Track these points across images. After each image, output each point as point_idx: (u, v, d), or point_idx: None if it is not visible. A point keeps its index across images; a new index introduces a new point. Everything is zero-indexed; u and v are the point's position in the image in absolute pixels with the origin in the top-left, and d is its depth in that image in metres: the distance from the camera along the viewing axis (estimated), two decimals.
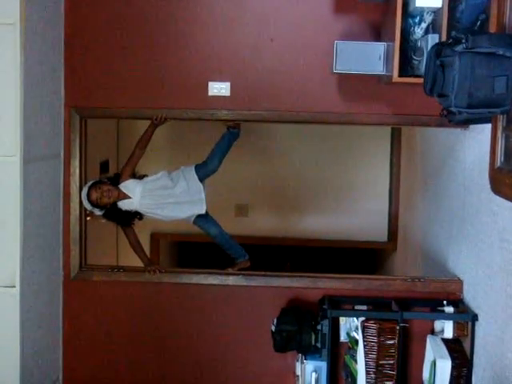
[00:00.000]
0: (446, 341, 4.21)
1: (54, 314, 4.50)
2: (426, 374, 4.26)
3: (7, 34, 3.75)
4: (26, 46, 3.81)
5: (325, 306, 4.27)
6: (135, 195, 4.62)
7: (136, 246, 4.72)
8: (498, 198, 3.03)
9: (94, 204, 4.53)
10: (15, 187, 3.83)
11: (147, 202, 4.67)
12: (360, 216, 7.38)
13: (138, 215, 4.72)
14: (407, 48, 3.88)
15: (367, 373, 4.16)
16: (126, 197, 4.63)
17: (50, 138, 4.34)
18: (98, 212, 4.63)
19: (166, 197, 4.71)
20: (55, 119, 4.40)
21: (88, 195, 4.51)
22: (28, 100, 3.87)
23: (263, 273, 4.61)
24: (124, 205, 4.63)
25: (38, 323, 4.20)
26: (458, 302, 4.29)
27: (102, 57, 4.45)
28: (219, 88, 4.40)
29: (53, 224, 4.43)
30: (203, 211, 4.78)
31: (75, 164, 4.52)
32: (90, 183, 4.56)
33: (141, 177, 4.75)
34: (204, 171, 4.81)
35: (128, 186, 4.63)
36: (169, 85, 4.44)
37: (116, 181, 4.66)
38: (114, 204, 4.60)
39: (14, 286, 3.87)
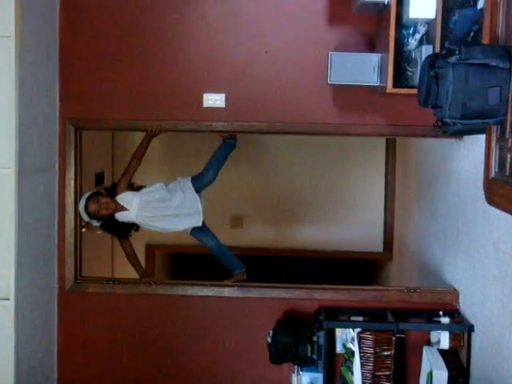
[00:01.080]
0: (442, 351, 4.20)
1: (49, 327, 4.48)
2: None
3: (2, 47, 3.75)
4: (22, 59, 3.81)
5: (321, 318, 4.27)
6: (132, 207, 4.62)
7: (132, 258, 4.71)
8: (492, 208, 3.03)
9: (91, 216, 4.53)
10: (10, 199, 3.82)
11: (144, 215, 4.67)
12: (355, 226, 7.37)
13: (134, 226, 4.71)
14: (401, 59, 3.90)
15: None
16: (123, 209, 4.61)
17: (45, 149, 4.34)
18: (95, 223, 4.63)
19: (163, 209, 4.71)
20: (50, 131, 4.40)
21: (86, 207, 4.49)
22: (23, 112, 3.86)
23: (259, 284, 4.60)
24: (121, 216, 4.62)
25: (33, 336, 4.18)
26: (454, 313, 4.29)
27: (97, 69, 4.45)
28: (214, 99, 4.41)
29: (48, 236, 4.42)
30: (200, 223, 4.78)
31: (70, 176, 4.51)
32: (87, 195, 4.56)
33: (138, 188, 4.75)
34: (200, 183, 4.81)
35: (125, 198, 4.62)
36: (164, 96, 4.44)
37: (113, 192, 4.64)
38: (112, 216, 4.59)
39: (8, 299, 3.85)
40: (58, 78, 4.45)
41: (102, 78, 4.45)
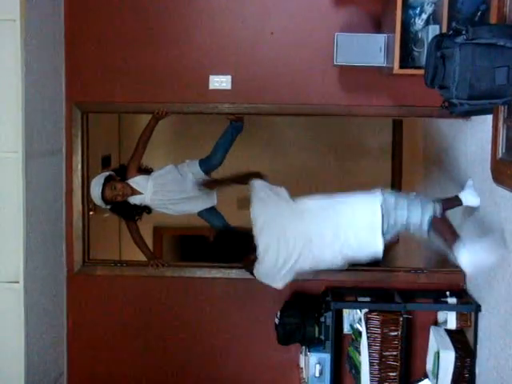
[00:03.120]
0: (449, 332, 4.22)
1: (58, 309, 4.52)
2: (429, 365, 4.27)
3: (8, 31, 3.75)
4: (27, 42, 3.81)
5: (328, 299, 4.28)
6: (146, 191, 4.65)
7: (138, 241, 4.73)
8: (499, 188, 3.03)
9: (106, 201, 4.56)
10: (18, 183, 3.83)
11: (159, 198, 4.70)
12: None
13: (146, 209, 4.76)
14: (408, 39, 3.87)
15: (371, 364, 4.17)
16: (136, 193, 4.65)
17: (52, 133, 4.35)
18: (104, 206, 4.65)
19: (177, 193, 4.73)
20: (57, 115, 4.40)
21: (102, 193, 4.51)
22: (29, 96, 3.87)
23: None
24: (135, 200, 4.68)
25: (42, 318, 4.22)
26: (461, 293, 4.30)
27: (103, 52, 4.44)
28: (220, 81, 4.40)
29: (56, 219, 4.44)
30: (215, 203, 4.84)
31: (77, 159, 4.52)
32: (100, 179, 4.55)
33: (147, 170, 4.78)
34: (208, 165, 4.82)
35: (138, 181, 4.65)
36: (170, 79, 4.43)
37: (123, 175, 4.68)
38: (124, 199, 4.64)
39: (17, 282, 3.89)
40: (64, 61, 4.44)
41: (108, 62, 4.44)
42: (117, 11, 4.42)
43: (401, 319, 4.15)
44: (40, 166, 4.12)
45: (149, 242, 6.77)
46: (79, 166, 4.53)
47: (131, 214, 4.73)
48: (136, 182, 4.64)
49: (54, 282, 4.42)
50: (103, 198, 4.52)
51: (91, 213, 4.82)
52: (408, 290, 4.39)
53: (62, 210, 4.52)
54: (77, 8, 4.43)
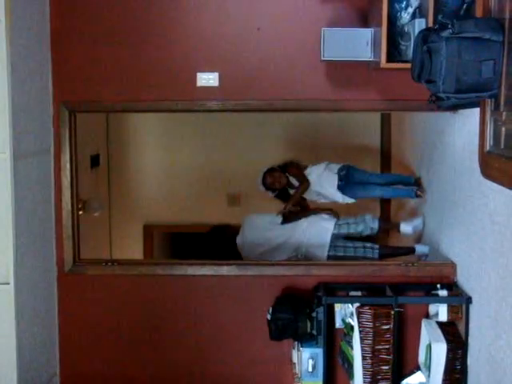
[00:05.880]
0: (440, 324, 4.24)
1: (50, 309, 4.50)
2: (421, 358, 4.29)
3: None
4: (13, 42, 3.78)
5: (319, 293, 4.29)
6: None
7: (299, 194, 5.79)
8: (488, 181, 3.04)
9: (267, 187, 5.65)
10: (6, 184, 3.82)
11: (315, 190, 5.77)
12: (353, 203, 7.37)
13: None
14: (394, 33, 3.87)
15: (363, 358, 4.18)
16: (292, 186, 5.71)
17: (40, 133, 4.33)
18: (270, 194, 5.77)
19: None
20: (44, 114, 4.39)
21: (263, 180, 5.61)
22: (16, 96, 3.85)
23: (257, 262, 4.62)
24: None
25: (34, 319, 4.20)
26: (452, 286, 4.31)
27: (89, 50, 4.42)
28: (207, 78, 4.39)
29: (45, 219, 4.42)
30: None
31: (65, 158, 4.50)
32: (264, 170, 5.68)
33: (303, 167, 5.80)
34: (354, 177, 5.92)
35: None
36: (157, 77, 4.42)
37: (284, 169, 5.71)
38: (284, 188, 5.71)
39: (8, 283, 3.87)
40: (51, 61, 4.42)
41: (95, 60, 4.42)
42: (103, 10, 4.40)
43: (392, 313, 4.17)
44: (28, 166, 4.10)
45: (139, 240, 6.79)
46: (68, 166, 4.51)
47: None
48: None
49: (44, 282, 4.41)
50: (264, 183, 5.63)
51: (81, 212, 4.81)
52: (399, 283, 4.40)
53: (52, 209, 4.50)
54: (63, 7, 4.40)
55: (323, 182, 5.82)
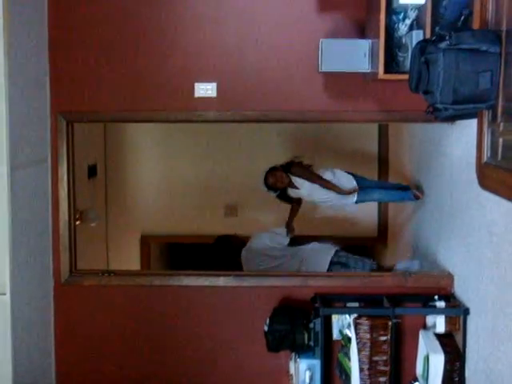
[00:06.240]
0: (438, 335, 4.23)
1: (46, 320, 4.48)
2: (419, 369, 4.27)
3: None
4: (11, 53, 3.78)
5: (317, 305, 4.28)
6: (303, 189, 5.67)
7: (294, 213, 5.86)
8: (485, 191, 3.05)
9: (268, 187, 5.60)
10: (3, 194, 3.80)
11: (315, 197, 5.78)
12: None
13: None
14: (392, 45, 3.89)
15: (361, 370, 4.17)
16: (294, 186, 5.68)
17: (37, 143, 4.32)
18: (272, 194, 5.75)
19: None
20: (41, 124, 4.38)
21: (265, 179, 5.56)
22: (14, 106, 3.84)
23: (254, 273, 4.60)
24: (293, 193, 5.71)
25: (30, 330, 4.18)
26: (450, 297, 4.31)
27: (88, 60, 4.43)
28: (205, 89, 4.40)
29: (42, 230, 4.41)
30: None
31: (63, 169, 4.49)
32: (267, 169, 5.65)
33: (307, 166, 5.76)
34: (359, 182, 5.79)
35: (297, 179, 5.64)
36: (155, 87, 4.43)
37: (287, 169, 5.67)
38: (285, 189, 5.69)
39: (4, 294, 3.85)
40: (49, 71, 4.42)
41: (93, 71, 4.43)
42: (101, 21, 4.41)
43: (390, 324, 4.15)
44: (25, 176, 4.09)
45: (136, 251, 6.77)
46: (65, 177, 4.50)
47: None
48: (296, 178, 5.63)
49: (41, 293, 4.39)
50: (266, 183, 5.60)
51: (77, 222, 4.80)
52: (396, 294, 4.39)
53: (48, 220, 4.49)
54: (61, 18, 4.41)
55: (340, 180, 5.83)
